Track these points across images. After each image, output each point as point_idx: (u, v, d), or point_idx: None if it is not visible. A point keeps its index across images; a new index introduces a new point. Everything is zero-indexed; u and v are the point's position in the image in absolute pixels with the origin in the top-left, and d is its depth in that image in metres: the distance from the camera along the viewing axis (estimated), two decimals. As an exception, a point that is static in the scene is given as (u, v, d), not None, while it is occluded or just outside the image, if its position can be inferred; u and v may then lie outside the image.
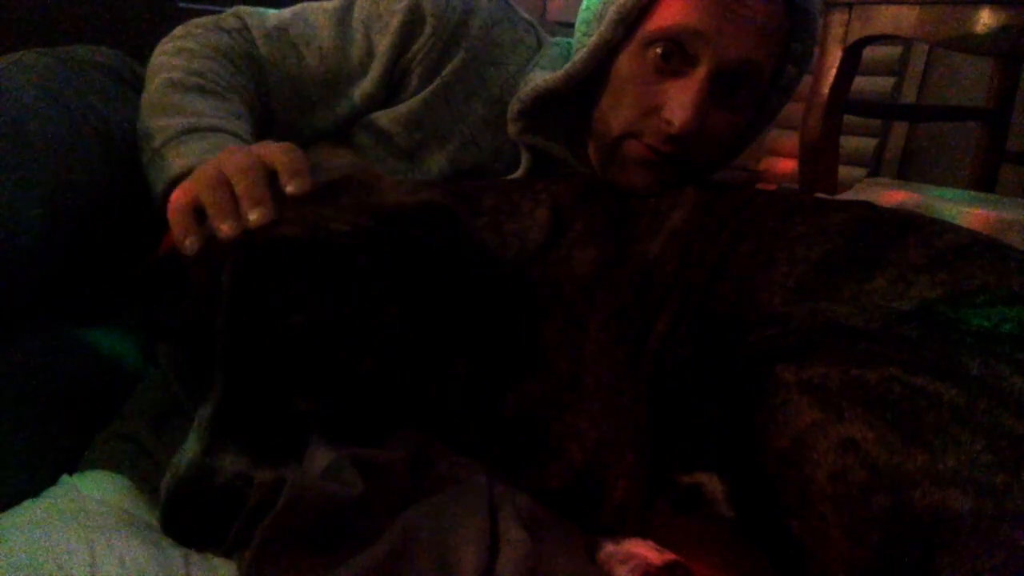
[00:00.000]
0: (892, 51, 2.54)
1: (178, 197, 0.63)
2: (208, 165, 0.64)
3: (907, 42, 2.46)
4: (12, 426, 0.63)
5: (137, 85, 0.91)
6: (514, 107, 0.93)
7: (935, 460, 0.53)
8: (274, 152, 0.65)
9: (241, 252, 0.60)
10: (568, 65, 0.89)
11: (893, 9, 1.83)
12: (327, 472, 0.56)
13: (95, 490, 0.60)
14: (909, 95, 2.57)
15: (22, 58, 0.84)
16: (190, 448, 0.57)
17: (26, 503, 0.58)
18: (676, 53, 0.82)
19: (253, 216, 0.60)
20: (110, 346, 0.75)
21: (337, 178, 0.70)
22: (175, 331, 0.61)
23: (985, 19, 1.63)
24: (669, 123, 0.82)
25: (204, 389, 0.59)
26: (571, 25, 0.96)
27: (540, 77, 0.92)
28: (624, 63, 0.86)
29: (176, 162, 0.77)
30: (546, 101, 0.91)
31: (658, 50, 0.82)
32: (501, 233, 0.77)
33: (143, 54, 0.93)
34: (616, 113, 0.87)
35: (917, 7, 1.77)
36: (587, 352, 0.71)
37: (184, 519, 0.56)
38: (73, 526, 0.54)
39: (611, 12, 0.85)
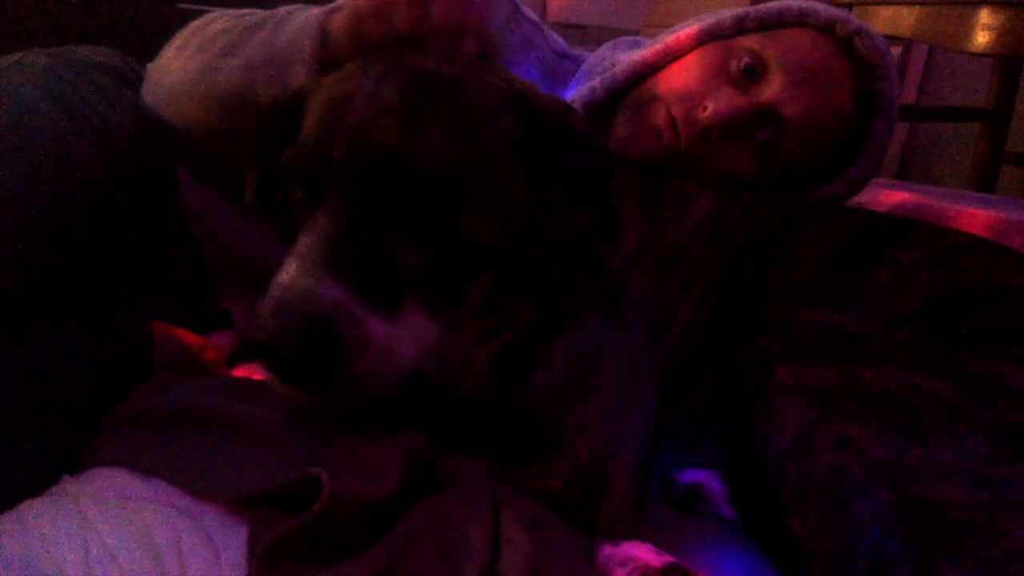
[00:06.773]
0: (892, 51, 2.54)
1: None
2: None
3: (907, 42, 2.46)
4: (12, 426, 0.63)
5: (137, 85, 0.91)
6: (602, 85, 0.93)
7: (932, 454, 0.53)
8: None
9: (392, 76, 0.56)
10: (669, 37, 0.91)
11: (892, 9, 1.83)
12: (368, 462, 0.56)
13: (94, 490, 0.59)
14: (909, 95, 2.57)
15: (22, 58, 0.84)
16: (285, 273, 0.52)
17: (25, 503, 0.58)
18: (755, 73, 0.85)
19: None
20: (110, 346, 0.75)
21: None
22: (288, 164, 0.58)
23: (985, 19, 1.63)
24: (705, 108, 0.84)
25: (305, 221, 0.56)
26: (571, 26, 0.96)
27: (623, 59, 0.92)
28: (709, 52, 0.88)
29: None
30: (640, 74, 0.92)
31: (744, 62, 0.85)
32: None
33: (143, 54, 0.93)
34: (668, 79, 0.89)
35: (917, 7, 1.77)
36: (613, 333, 0.71)
37: (285, 348, 0.50)
38: (70, 527, 0.54)
39: (736, 12, 0.88)
